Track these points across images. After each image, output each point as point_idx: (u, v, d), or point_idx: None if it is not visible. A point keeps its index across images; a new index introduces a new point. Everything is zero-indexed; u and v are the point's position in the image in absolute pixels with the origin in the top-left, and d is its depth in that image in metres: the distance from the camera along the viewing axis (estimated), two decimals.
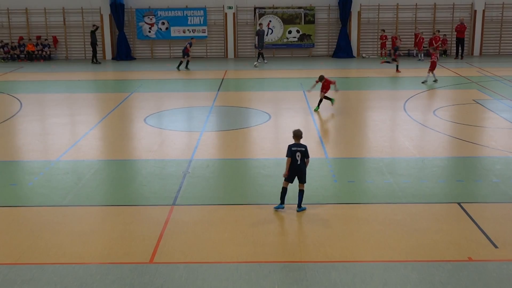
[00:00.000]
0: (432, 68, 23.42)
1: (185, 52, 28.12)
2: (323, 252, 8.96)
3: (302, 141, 10.57)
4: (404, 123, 17.21)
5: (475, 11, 32.08)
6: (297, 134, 10.45)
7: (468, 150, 14.54)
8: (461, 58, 31.09)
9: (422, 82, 23.42)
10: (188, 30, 32.54)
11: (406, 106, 19.35)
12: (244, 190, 11.82)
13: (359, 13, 32.35)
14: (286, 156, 10.36)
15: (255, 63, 29.14)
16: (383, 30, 31.67)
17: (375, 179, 12.24)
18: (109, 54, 32.74)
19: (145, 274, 8.25)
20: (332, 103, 18.82)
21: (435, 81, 23.49)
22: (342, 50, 32.39)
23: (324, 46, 33.21)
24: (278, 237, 9.47)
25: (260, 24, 31.06)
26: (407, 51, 32.70)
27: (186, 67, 28.24)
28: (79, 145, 15.16)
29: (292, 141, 10.53)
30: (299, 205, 10.49)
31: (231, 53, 32.75)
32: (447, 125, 17.05)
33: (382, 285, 7.97)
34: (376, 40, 32.49)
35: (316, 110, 18.59)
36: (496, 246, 9.06)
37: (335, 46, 32.73)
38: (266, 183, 11.99)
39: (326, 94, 18.60)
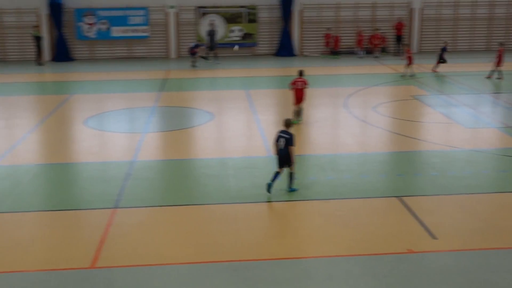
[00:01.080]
0: (410, 62, 24.48)
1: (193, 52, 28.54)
2: (267, 250, 9.00)
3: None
4: (345, 120, 17.48)
5: (413, 9, 32.90)
6: (285, 123, 11.31)
7: (407, 144, 14.90)
8: (400, 55, 31.75)
9: (410, 76, 24.34)
10: (129, 30, 32.06)
11: (346, 103, 19.65)
12: (188, 190, 11.74)
13: (300, 12, 32.65)
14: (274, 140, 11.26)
15: (211, 61, 29.26)
16: (328, 29, 32.03)
17: (317, 175, 12.38)
18: (48, 55, 31.88)
19: (86, 280, 8.08)
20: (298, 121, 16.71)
21: (413, 75, 24.43)
22: (284, 48, 32.61)
23: (267, 45, 33.34)
24: (221, 236, 9.45)
25: (211, 24, 30.88)
26: (348, 49, 33.21)
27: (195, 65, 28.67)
28: (16, 149, 14.70)
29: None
30: (289, 186, 11.17)
31: (173, 53, 32.48)
32: (387, 121, 17.41)
33: (326, 280, 8.07)
34: (319, 38, 32.83)
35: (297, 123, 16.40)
36: (435, 238, 9.32)
37: (277, 45, 32.92)
38: (209, 183, 11.95)
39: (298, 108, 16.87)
